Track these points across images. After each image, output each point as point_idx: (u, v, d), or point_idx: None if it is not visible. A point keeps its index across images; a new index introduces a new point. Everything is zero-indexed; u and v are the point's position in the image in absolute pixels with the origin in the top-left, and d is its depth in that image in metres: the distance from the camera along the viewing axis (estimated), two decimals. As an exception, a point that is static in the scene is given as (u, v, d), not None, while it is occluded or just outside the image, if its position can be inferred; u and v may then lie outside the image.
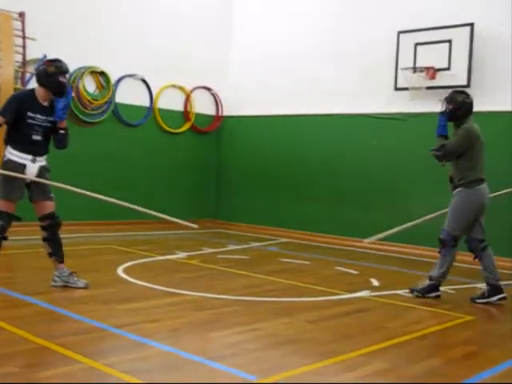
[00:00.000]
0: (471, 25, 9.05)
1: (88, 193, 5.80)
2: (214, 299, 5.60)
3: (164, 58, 11.35)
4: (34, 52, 9.67)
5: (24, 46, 9.48)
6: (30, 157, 5.44)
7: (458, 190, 6.12)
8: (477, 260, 6.24)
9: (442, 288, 6.31)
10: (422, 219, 6.82)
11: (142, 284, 6.06)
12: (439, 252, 6.20)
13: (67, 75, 5.61)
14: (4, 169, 5.37)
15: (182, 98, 11.94)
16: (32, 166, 5.46)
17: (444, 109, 6.24)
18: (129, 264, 7.11)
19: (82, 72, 10.29)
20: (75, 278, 5.74)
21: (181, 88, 11.88)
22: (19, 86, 9.46)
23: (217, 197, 12.51)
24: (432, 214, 6.72)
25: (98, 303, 5.22)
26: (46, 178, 5.58)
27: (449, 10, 9.37)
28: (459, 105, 6.13)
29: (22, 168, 5.40)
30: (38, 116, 5.42)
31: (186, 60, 11.68)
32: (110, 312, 4.95)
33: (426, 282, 6.17)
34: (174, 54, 11.48)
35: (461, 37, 9.11)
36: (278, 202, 11.42)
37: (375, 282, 6.79)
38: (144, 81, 11.30)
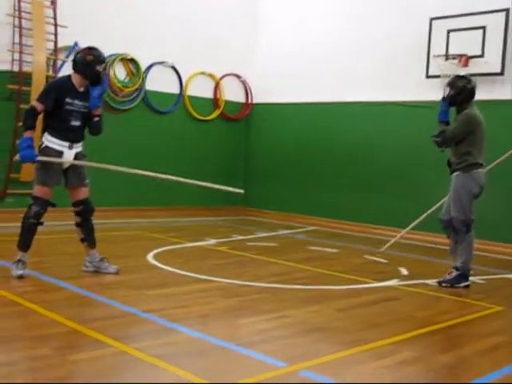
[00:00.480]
0: (506, 10, 8.88)
1: (124, 169, 5.82)
2: (242, 286, 5.63)
3: (193, 46, 11.37)
4: (66, 39, 9.77)
5: (56, 34, 9.57)
6: (67, 143, 5.51)
7: (456, 173, 6.16)
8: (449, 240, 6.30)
9: (472, 278, 6.26)
10: (422, 216, 7.17)
11: (172, 270, 6.12)
12: (448, 237, 6.27)
13: (103, 64, 5.68)
14: (42, 155, 5.45)
15: (211, 85, 11.96)
16: (69, 153, 5.53)
17: (445, 94, 6.23)
18: (159, 250, 7.18)
19: (113, 59, 10.37)
20: (106, 264, 5.83)
21: (210, 75, 11.89)
22: (51, 73, 9.56)
23: (245, 184, 12.52)
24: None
25: (129, 288, 5.29)
26: (78, 166, 5.63)
27: (482, -4, 9.21)
28: (460, 90, 6.12)
29: (59, 155, 5.48)
30: (76, 102, 5.49)
31: (215, 47, 11.68)
32: (140, 297, 5.02)
33: (454, 273, 6.11)
34: (203, 42, 11.49)
35: (495, 23, 8.93)
36: (306, 190, 11.40)
37: (404, 271, 6.76)
38: (174, 68, 11.34)
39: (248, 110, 12.47)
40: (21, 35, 9.22)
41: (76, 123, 5.52)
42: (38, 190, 5.49)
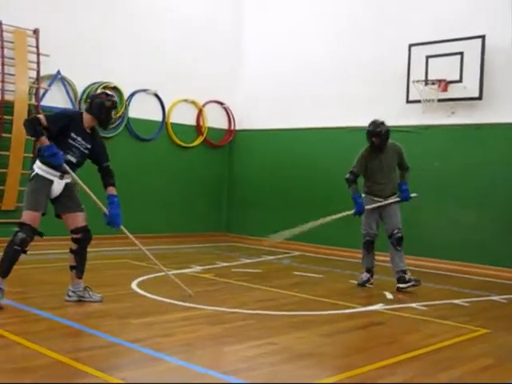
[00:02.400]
0: (482, 37, 9.05)
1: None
2: (228, 313, 5.59)
3: (176, 73, 11.44)
4: (48, 68, 9.78)
5: (38, 63, 9.58)
6: (58, 173, 5.48)
7: (395, 196, 7.25)
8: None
9: (456, 301, 6.41)
10: (328, 219, 7.76)
11: (156, 298, 6.07)
12: (398, 249, 7.12)
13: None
14: (32, 182, 5.45)
15: (194, 112, 12.01)
16: (58, 183, 5.51)
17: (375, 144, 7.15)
18: (143, 278, 7.13)
19: (96, 87, 10.37)
20: (90, 293, 5.77)
21: (193, 102, 11.95)
22: (33, 101, 9.55)
23: (229, 210, 12.53)
24: (339, 214, 7.61)
25: (113, 318, 5.23)
26: (73, 191, 5.64)
27: (460, 22, 9.38)
28: (386, 134, 7.11)
29: (49, 184, 5.45)
30: (79, 139, 5.53)
31: (197, 75, 11.76)
32: (125, 326, 4.96)
33: (407, 275, 7.04)
34: (185, 69, 11.57)
35: (472, 49, 9.12)
36: (289, 216, 11.37)
37: (389, 295, 6.76)
38: (156, 95, 11.38)
39: (231, 137, 12.52)
40: (3, 64, 9.22)
41: (72, 159, 5.51)
42: (27, 216, 5.41)
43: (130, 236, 6.03)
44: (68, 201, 5.58)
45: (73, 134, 5.47)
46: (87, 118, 5.59)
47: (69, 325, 4.90)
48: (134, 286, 6.66)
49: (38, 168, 5.45)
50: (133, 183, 10.86)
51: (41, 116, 5.38)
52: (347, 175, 7.18)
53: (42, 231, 5.50)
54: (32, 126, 5.27)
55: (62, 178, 5.51)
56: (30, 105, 9.47)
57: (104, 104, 5.56)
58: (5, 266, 5.36)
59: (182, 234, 11.60)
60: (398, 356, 4.41)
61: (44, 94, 9.81)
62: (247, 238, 11.86)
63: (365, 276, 7.38)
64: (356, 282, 7.44)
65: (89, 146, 5.60)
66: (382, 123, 7.14)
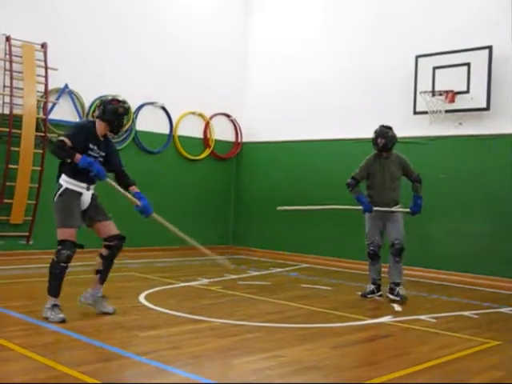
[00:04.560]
0: (489, 47, 9.04)
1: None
2: (235, 326, 5.57)
3: (183, 86, 11.49)
4: (56, 82, 9.85)
5: (46, 76, 9.64)
6: (85, 185, 5.57)
7: (399, 205, 7.30)
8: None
9: (465, 313, 6.39)
10: (337, 206, 7.85)
11: (164, 311, 6.06)
12: (397, 261, 7.10)
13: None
14: (62, 198, 5.48)
15: (201, 124, 12.04)
16: (87, 194, 5.61)
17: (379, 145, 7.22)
18: (151, 291, 7.12)
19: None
20: (105, 303, 5.82)
21: (200, 115, 11.98)
22: (41, 115, 9.60)
23: (236, 222, 12.52)
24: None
25: (121, 330, 5.22)
26: (98, 203, 5.73)
27: (466, 33, 9.38)
28: (391, 138, 7.21)
29: (78, 196, 5.54)
30: (96, 149, 5.58)
31: (204, 87, 11.80)
32: (133, 339, 4.95)
33: (401, 290, 7.06)
34: (192, 82, 11.62)
35: (479, 60, 9.11)
36: (297, 227, 11.39)
37: (397, 307, 6.72)
38: (164, 108, 11.42)
39: (238, 149, 12.53)
40: (11, 78, 9.28)
41: None
42: (64, 234, 5.44)
43: (164, 222, 6.19)
44: (97, 211, 5.68)
45: (91, 145, 5.53)
46: (100, 126, 5.63)
47: (76, 338, 4.89)
48: (141, 298, 6.65)
49: (66, 182, 5.51)
50: (140, 196, 10.86)
51: (63, 138, 5.40)
52: (348, 180, 7.22)
53: (83, 244, 5.55)
54: (62, 149, 5.32)
55: (88, 189, 5.61)
56: (38, 118, 9.53)
57: (117, 110, 5.61)
58: (54, 285, 5.45)
59: (189, 246, 11.54)
60: (406, 369, 4.37)
61: (52, 108, 9.87)
62: (254, 250, 11.85)
63: (369, 287, 7.38)
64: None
65: (103, 154, 5.66)
66: (390, 127, 7.29)
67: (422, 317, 6.24)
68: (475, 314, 6.56)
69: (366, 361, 4.63)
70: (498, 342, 5.31)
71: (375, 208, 7.14)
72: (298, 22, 11.79)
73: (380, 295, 7.30)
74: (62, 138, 5.43)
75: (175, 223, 11.29)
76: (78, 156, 5.33)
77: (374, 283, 7.34)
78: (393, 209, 7.20)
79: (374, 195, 7.20)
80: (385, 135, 7.16)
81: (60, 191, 5.49)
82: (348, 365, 4.50)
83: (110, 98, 5.80)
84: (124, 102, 5.77)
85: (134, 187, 5.86)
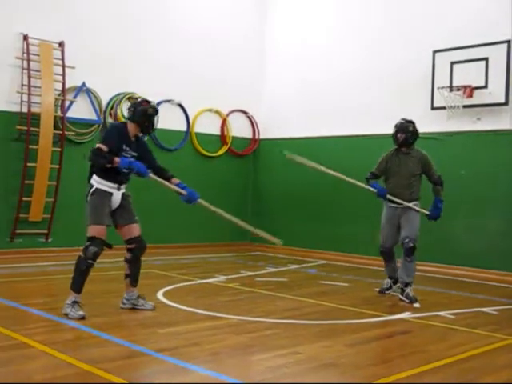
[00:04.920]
0: (508, 42, 8.97)
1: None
2: (253, 322, 5.59)
3: (200, 83, 11.51)
4: (73, 80, 9.91)
5: (63, 75, 9.71)
6: (116, 185, 5.68)
7: (414, 202, 6.99)
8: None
9: (484, 309, 6.36)
10: (351, 180, 7.45)
11: (182, 308, 6.09)
12: (408, 260, 6.82)
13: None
14: (93, 197, 5.61)
15: (218, 121, 12.06)
16: (117, 194, 5.72)
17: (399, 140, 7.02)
18: (169, 288, 7.16)
19: (120, 98, 10.49)
20: (142, 301, 5.92)
21: (217, 112, 12.00)
22: (59, 113, 9.67)
23: (254, 219, 12.51)
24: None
25: (139, 327, 5.27)
26: (129, 203, 5.84)
27: (484, 27, 9.30)
28: (412, 132, 6.98)
29: (109, 196, 5.66)
30: (128, 149, 5.69)
31: (221, 84, 11.82)
32: (152, 336, 4.98)
33: (410, 291, 6.77)
34: (209, 79, 11.63)
35: (497, 54, 9.03)
36: (314, 224, 11.39)
37: (416, 304, 6.69)
38: (181, 106, 11.46)
39: (255, 146, 12.54)
40: (29, 77, 9.36)
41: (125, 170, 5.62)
42: (93, 230, 5.56)
43: (211, 207, 6.32)
44: (124, 212, 5.78)
45: (124, 146, 5.65)
46: (131, 127, 5.74)
47: (96, 335, 4.93)
48: (159, 295, 6.68)
49: (97, 183, 5.62)
50: (157, 193, 10.89)
51: (99, 145, 5.51)
52: (368, 175, 7.19)
53: (111, 243, 5.65)
54: (99, 156, 5.45)
55: (119, 189, 5.72)
56: (56, 116, 9.60)
57: (147, 111, 5.70)
58: (78, 281, 5.54)
59: (207, 243, 11.63)
60: (424, 365, 4.37)
61: (70, 106, 9.94)
62: (272, 247, 11.83)
63: (386, 283, 7.33)
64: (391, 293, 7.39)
65: (135, 154, 5.75)
66: (412, 122, 7.04)
67: (441, 313, 6.21)
68: (495, 310, 6.52)
69: (383, 358, 4.62)
70: (517, 338, 5.28)
71: (389, 196, 6.96)
72: (314, 18, 11.75)
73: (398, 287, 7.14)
74: (97, 145, 5.53)
75: (193, 220, 11.45)
76: (117, 159, 5.46)
77: (390, 278, 7.30)
78: (410, 204, 6.94)
79: (391, 190, 7.01)
80: (405, 130, 6.94)
81: (91, 191, 5.62)
82: (364, 362, 4.50)
83: (139, 99, 5.92)
84: (151, 102, 5.88)
85: (174, 179, 6.01)
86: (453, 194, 9.36)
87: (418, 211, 6.98)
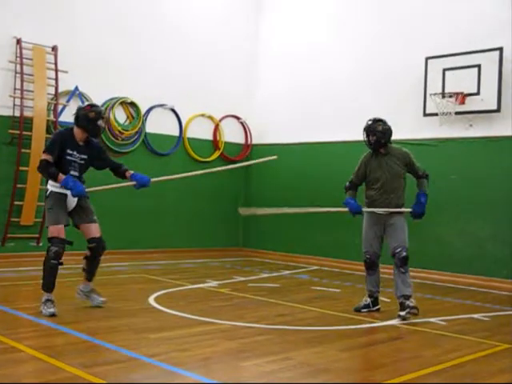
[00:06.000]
0: (500, 49, 9.01)
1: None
2: (245, 328, 5.57)
3: (192, 88, 11.51)
4: (66, 84, 9.90)
5: (56, 79, 9.70)
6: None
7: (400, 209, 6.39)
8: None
9: (476, 315, 6.34)
10: (320, 209, 7.43)
11: (173, 313, 6.07)
12: (402, 271, 6.27)
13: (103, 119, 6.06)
14: (49, 199, 5.87)
15: (211, 126, 12.06)
16: (71, 196, 5.85)
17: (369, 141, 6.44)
18: (160, 293, 7.13)
19: (113, 103, 10.48)
20: (94, 295, 6.16)
21: (210, 117, 12.00)
22: (52, 117, 9.65)
23: (246, 225, 12.52)
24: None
25: (130, 332, 5.24)
26: (87, 204, 6.04)
27: (477, 34, 9.34)
28: (382, 133, 6.38)
29: (64, 197, 5.86)
30: (75, 153, 5.90)
31: (214, 89, 11.82)
32: (142, 341, 4.96)
33: (411, 302, 6.15)
34: (202, 84, 11.64)
35: (490, 61, 9.07)
36: (306, 230, 11.38)
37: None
38: (173, 110, 11.45)
39: (248, 151, 12.54)
40: (22, 81, 9.34)
41: (75, 173, 5.89)
42: (52, 230, 5.79)
43: (165, 178, 6.44)
44: (82, 212, 5.97)
45: (68, 150, 5.85)
46: (77, 132, 5.92)
47: (87, 339, 4.91)
48: (150, 300, 6.66)
49: (52, 186, 5.87)
50: (150, 198, 10.90)
51: (44, 156, 5.78)
52: (346, 184, 6.60)
53: (71, 240, 5.86)
54: (45, 170, 5.76)
55: None
56: (48, 121, 9.58)
57: (88, 115, 5.85)
58: (46, 280, 5.77)
59: (199, 248, 11.61)
60: (415, 372, 4.36)
61: (62, 110, 9.92)
62: (264, 252, 11.85)
63: (364, 301, 6.56)
64: (383, 299, 7.38)
65: (84, 157, 5.94)
66: (381, 120, 6.42)
67: (432, 319, 6.21)
68: (486, 316, 6.53)
69: (375, 364, 4.61)
70: (509, 344, 5.28)
71: (366, 209, 6.41)
72: (307, 24, 11.77)
73: (378, 309, 6.53)
74: (43, 156, 5.78)
75: (185, 225, 11.45)
76: (61, 177, 5.70)
77: (370, 296, 6.53)
78: (390, 209, 6.31)
79: (374, 196, 6.38)
80: (374, 131, 6.32)
81: (47, 194, 5.91)
82: (357, 367, 4.49)
83: (85, 104, 6.11)
84: (96, 106, 6.08)
85: (128, 172, 6.12)
86: (443, 200, 9.42)
87: (402, 213, 6.40)
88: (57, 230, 5.75)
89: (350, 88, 10.96)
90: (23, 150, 9.32)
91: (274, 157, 6.44)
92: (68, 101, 10.02)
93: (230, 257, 11.41)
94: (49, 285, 5.74)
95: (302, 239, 11.49)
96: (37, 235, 9.62)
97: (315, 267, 10.36)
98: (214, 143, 12.09)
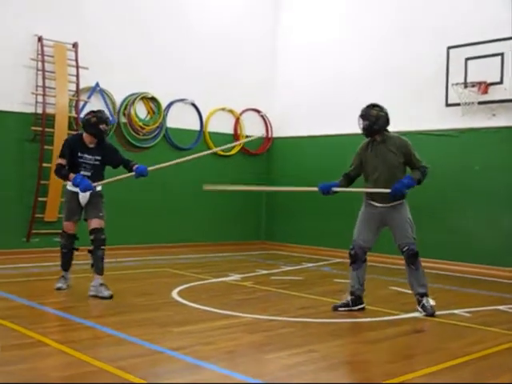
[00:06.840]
0: (523, 37, 8.89)
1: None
2: (268, 321, 5.58)
3: (213, 83, 11.51)
4: (87, 81, 9.96)
5: (77, 76, 9.76)
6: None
7: (401, 201, 6.00)
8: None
9: (500, 307, 6.28)
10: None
11: (197, 306, 6.10)
12: (413, 268, 6.01)
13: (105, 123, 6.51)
14: (65, 197, 6.74)
15: (231, 120, 12.06)
16: (82, 194, 6.45)
17: (361, 126, 6.09)
18: (183, 287, 7.17)
19: (134, 98, 10.53)
20: (102, 288, 6.36)
21: (230, 111, 12.00)
22: (73, 114, 9.72)
23: (269, 218, 12.53)
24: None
25: (154, 326, 5.27)
26: (97, 201, 6.55)
27: (499, 22, 9.20)
28: (376, 118, 5.97)
29: (75, 195, 6.51)
30: (86, 155, 6.48)
31: (234, 83, 11.81)
32: (166, 335, 5.00)
33: (430, 301, 5.97)
34: (222, 78, 11.63)
35: (513, 49, 8.94)
36: (329, 222, 11.34)
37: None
38: (194, 105, 11.47)
39: (268, 145, 12.52)
40: (44, 78, 9.41)
41: (86, 173, 6.44)
42: (63, 226, 6.70)
43: (160, 166, 6.73)
44: (91, 208, 6.54)
45: (79, 154, 6.45)
46: (86, 136, 6.50)
47: (111, 333, 4.95)
48: (174, 294, 6.70)
49: (68, 185, 6.58)
50: (172, 192, 10.97)
51: (58, 160, 6.48)
52: (340, 178, 6.30)
53: (77, 236, 6.70)
54: (59, 172, 6.48)
55: None
56: (70, 117, 9.65)
57: (90, 121, 6.41)
58: (62, 262, 6.79)
59: (222, 242, 11.64)
60: (440, 364, 4.33)
61: (84, 106, 9.98)
62: (287, 245, 11.84)
63: (345, 298, 6.16)
64: (396, 289, 7.34)
65: (98, 158, 6.52)
66: (378, 106, 6.02)
67: (456, 311, 6.17)
68: (511, 308, 6.47)
69: (398, 356, 4.59)
70: (535, 336, 5.23)
71: (337, 189, 6.08)
72: (326, 15, 11.71)
73: (361, 308, 6.09)
74: (58, 160, 6.49)
75: (208, 219, 11.49)
76: (71, 176, 6.35)
77: (351, 294, 6.11)
78: (371, 190, 5.91)
79: (370, 188, 6.03)
80: (367, 115, 5.94)
81: (65, 191, 6.73)
82: (380, 360, 4.47)
83: (89, 111, 6.61)
84: (97, 111, 6.51)
85: (134, 165, 6.47)
86: (467, 191, 9.33)
87: (403, 204, 6.01)
88: (67, 226, 6.63)
89: (371, 80, 10.86)
90: (46, 147, 9.41)
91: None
92: (89, 97, 10.09)
93: (252, 250, 11.42)
94: (65, 265, 6.72)
95: (325, 232, 11.46)
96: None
97: (338, 259, 10.33)
98: (235, 137, 12.09)
